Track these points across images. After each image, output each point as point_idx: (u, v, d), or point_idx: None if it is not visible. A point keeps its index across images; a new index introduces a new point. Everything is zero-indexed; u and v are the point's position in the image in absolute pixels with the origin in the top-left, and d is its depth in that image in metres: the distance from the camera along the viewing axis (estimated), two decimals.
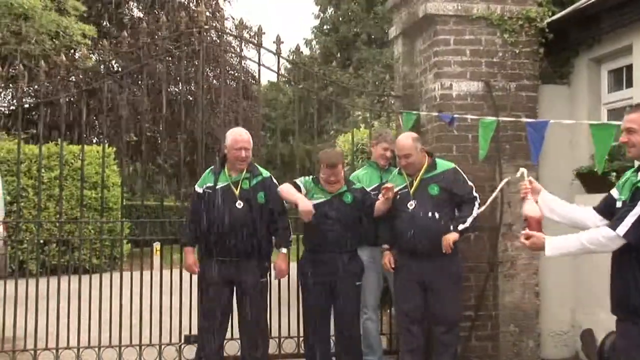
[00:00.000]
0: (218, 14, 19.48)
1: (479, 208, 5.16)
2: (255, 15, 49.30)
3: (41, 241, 8.17)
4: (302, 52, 8.05)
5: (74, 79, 6.45)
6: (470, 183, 5.27)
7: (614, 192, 3.62)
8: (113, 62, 12.05)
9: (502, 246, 6.02)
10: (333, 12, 30.79)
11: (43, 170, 12.99)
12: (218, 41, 14.69)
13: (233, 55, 14.07)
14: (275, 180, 5.50)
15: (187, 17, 6.38)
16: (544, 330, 6.20)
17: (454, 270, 5.19)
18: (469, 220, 5.11)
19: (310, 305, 5.45)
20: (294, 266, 6.05)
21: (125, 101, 8.37)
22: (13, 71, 13.83)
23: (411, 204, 5.17)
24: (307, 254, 5.54)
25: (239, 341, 5.53)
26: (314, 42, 31.34)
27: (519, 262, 6.05)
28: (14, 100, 15.45)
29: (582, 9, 5.82)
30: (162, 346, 6.01)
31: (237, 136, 5.36)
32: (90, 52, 15.82)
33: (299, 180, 5.54)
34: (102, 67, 7.16)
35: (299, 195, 5.30)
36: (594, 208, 3.75)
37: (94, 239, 8.66)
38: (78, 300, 6.00)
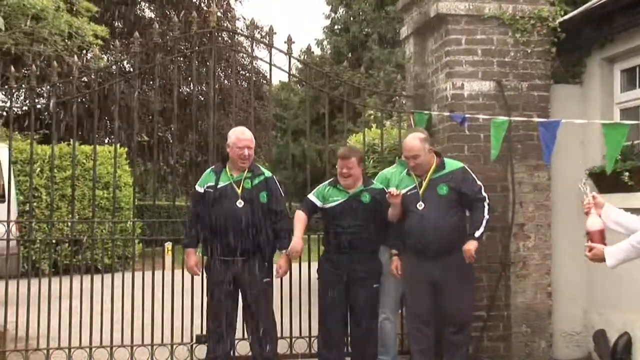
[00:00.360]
0: (229, 14, 19.50)
1: (489, 209, 5.14)
2: (266, 15, 49.49)
3: (53, 241, 8.20)
4: (313, 52, 8.05)
5: (86, 80, 6.49)
6: (479, 182, 5.24)
7: None
8: (125, 62, 12.08)
9: (514, 246, 6.00)
10: (344, 12, 30.81)
11: (55, 171, 13.09)
12: (229, 41, 14.71)
13: (244, 55, 14.10)
14: (276, 181, 5.49)
15: (199, 18, 6.40)
16: (556, 331, 6.17)
17: (464, 270, 5.16)
18: (483, 223, 5.09)
19: (327, 305, 5.42)
20: (305, 267, 6.05)
21: (137, 102, 8.40)
22: (26, 72, 13.92)
23: (420, 205, 5.15)
24: (326, 254, 5.54)
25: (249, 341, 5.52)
26: (325, 42, 31.38)
27: (531, 263, 6.03)
28: (27, 101, 15.52)
29: (594, 8, 5.78)
30: (174, 346, 6.02)
31: (240, 134, 5.34)
32: (102, 52, 15.88)
33: (312, 195, 5.55)
34: (114, 67, 7.20)
35: (297, 234, 5.33)
36: None
37: (106, 239, 8.68)
38: (90, 300, 6.02)
